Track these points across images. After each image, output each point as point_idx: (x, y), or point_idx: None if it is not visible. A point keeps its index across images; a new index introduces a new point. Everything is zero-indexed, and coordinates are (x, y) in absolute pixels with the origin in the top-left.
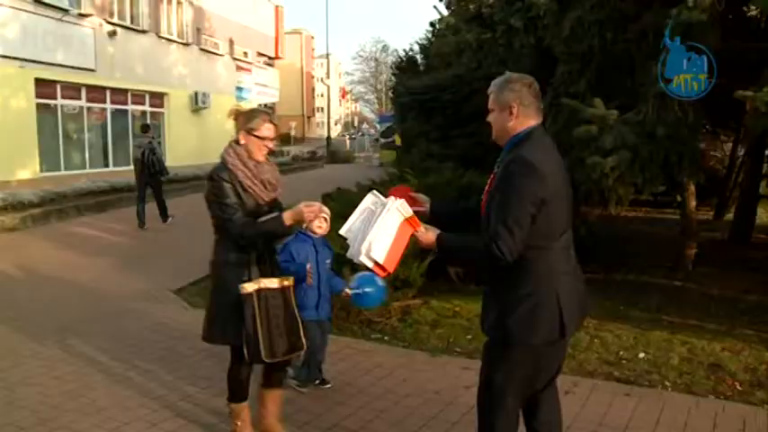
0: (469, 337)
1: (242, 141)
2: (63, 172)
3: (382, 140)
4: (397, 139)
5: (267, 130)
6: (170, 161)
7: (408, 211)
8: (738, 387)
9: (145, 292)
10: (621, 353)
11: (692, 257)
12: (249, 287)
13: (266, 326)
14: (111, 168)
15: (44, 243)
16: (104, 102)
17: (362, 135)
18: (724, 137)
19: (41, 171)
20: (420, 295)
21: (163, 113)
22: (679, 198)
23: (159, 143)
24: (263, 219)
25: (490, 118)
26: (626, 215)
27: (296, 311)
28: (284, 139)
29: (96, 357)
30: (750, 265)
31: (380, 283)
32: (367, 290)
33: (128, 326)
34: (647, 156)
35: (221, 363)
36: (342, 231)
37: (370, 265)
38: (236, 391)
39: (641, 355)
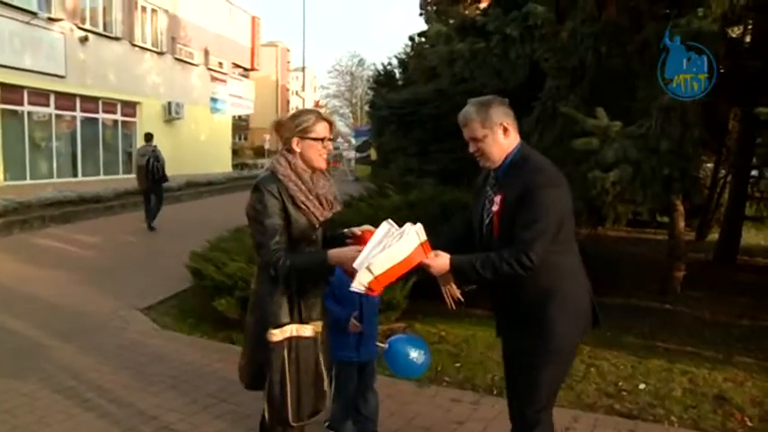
0: (458, 365)
1: (296, 148)
2: (28, 181)
3: (357, 155)
4: (373, 154)
5: (323, 128)
6: None
7: (424, 236)
8: (749, 423)
9: (111, 310)
10: (621, 383)
11: (681, 280)
12: (280, 334)
13: (296, 383)
14: (79, 178)
15: (4, 255)
16: (74, 109)
17: (337, 149)
18: (704, 157)
19: (5, 180)
20: (404, 318)
21: (135, 123)
22: (659, 218)
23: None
24: (303, 253)
25: (480, 146)
26: (609, 235)
27: (322, 364)
28: (258, 151)
29: (53, 386)
30: (737, 287)
31: (423, 354)
32: (413, 354)
33: (91, 348)
34: (649, 171)
35: (196, 390)
36: (355, 264)
37: (365, 280)
38: None
39: (642, 386)
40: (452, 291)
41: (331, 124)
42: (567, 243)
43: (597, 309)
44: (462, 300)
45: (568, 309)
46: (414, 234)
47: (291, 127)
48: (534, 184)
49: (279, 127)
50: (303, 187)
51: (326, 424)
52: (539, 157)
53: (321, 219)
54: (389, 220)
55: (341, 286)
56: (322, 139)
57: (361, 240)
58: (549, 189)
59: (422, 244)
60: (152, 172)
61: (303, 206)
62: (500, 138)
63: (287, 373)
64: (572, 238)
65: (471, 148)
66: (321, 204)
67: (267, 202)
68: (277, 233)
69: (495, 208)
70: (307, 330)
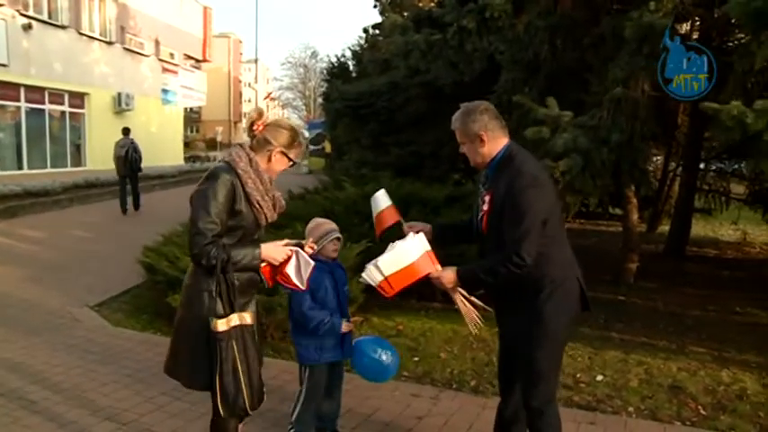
0: (416, 359)
1: (273, 158)
2: None
3: (311, 147)
4: (328, 146)
5: (298, 154)
6: (91, 165)
7: (428, 246)
8: (702, 411)
9: (60, 307)
10: (578, 375)
11: (634, 271)
12: (225, 324)
13: (247, 371)
14: (25, 171)
15: None
16: (18, 100)
17: None
18: (655, 150)
19: None
20: (360, 312)
21: (83, 114)
22: (611, 210)
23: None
24: (238, 246)
25: (464, 149)
26: None
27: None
28: (210, 144)
29: None
30: (688, 278)
31: (389, 355)
32: (382, 357)
33: (38, 348)
34: (598, 162)
35: (148, 389)
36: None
37: (376, 278)
38: None
39: (599, 377)
40: (469, 312)
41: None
42: (554, 235)
43: (586, 293)
44: (481, 319)
45: (558, 294)
46: (417, 240)
47: (281, 138)
48: (516, 187)
49: (260, 125)
50: (261, 187)
51: (292, 430)
52: (523, 156)
53: (270, 220)
54: (383, 190)
55: (319, 289)
56: (292, 162)
57: None
58: (529, 190)
59: (427, 252)
60: (131, 162)
61: (257, 205)
62: (477, 146)
63: (238, 362)
64: (559, 229)
65: (460, 150)
66: (273, 206)
67: (219, 192)
68: (218, 226)
69: (485, 207)
70: (247, 318)
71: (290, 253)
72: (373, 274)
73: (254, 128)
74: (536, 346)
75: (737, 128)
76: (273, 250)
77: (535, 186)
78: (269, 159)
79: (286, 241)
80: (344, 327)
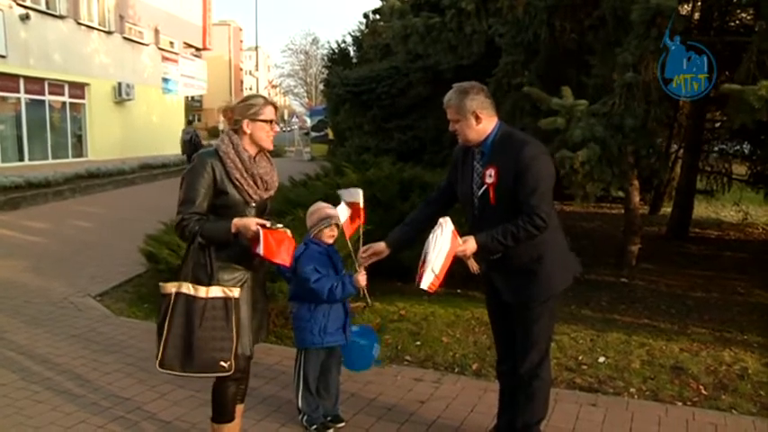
0: (418, 343)
1: (247, 130)
2: None
3: (313, 134)
4: (330, 133)
5: (270, 112)
6: (92, 155)
7: (452, 225)
8: (704, 391)
9: (62, 297)
10: (581, 357)
11: (637, 253)
12: (170, 287)
13: (174, 335)
14: (26, 162)
15: None
16: (18, 91)
17: (291, 130)
18: None
19: None
20: (362, 298)
21: (84, 105)
22: (614, 192)
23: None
24: (212, 221)
25: (456, 127)
26: (564, 209)
27: (231, 330)
28: (213, 132)
29: (0, 377)
30: (690, 260)
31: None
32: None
33: (40, 338)
34: (615, 149)
35: (152, 378)
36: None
37: (430, 280)
38: (221, 410)
39: (601, 359)
40: (473, 264)
41: (276, 108)
42: (552, 203)
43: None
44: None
45: (560, 258)
46: (447, 225)
47: (242, 110)
48: (527, 156)
49: (228, 111)
50: (240, 165)
51: (304, 418)
52: (519, 132)
53: (255, 197)
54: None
55: (322, 269)
56: (270, 122)
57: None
58: (540, 157)
59: (453, 232)
60: (194, 144)
61: (237, 183)
62: (473, 124)
63: (165, 322)
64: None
65: (450, 128)
66: (256, 183)
67: (196, 173)
68: (194, 204)
69: (489, 180)
70: (197, 291)
71: (255, 228)
72: (430, 278)
73: (228, 118)
74: (538, 312)
75: (765, 108)
76: (243, 223)
77: (543, 153)
78: (245, 134)
79: (256, 221)
80: (361, 278)
